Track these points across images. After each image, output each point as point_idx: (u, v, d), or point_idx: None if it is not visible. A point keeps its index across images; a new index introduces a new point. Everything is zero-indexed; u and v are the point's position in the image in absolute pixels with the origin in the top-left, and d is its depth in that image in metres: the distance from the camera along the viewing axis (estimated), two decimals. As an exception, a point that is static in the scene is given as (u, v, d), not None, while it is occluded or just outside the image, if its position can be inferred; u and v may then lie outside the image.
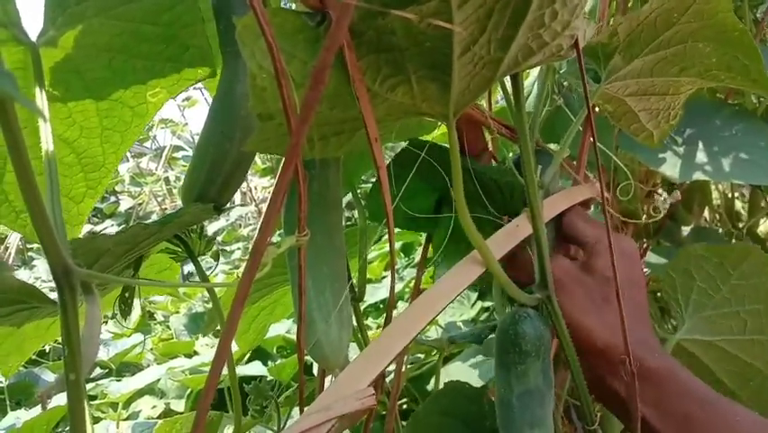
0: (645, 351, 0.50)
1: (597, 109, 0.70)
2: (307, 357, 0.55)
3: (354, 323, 0.72)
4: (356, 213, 0.71)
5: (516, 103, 0.50)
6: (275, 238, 0.42)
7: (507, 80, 0.53)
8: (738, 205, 1.41)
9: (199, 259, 0.59)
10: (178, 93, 0.58)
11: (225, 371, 1.19)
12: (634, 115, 0.67)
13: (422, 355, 1.11)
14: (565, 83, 0.99)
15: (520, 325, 0.45)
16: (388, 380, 0.87)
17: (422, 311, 0.40)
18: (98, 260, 0.51)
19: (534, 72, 1.08)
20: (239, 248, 3.01)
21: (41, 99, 0.47)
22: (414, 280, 0.82)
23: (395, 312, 0.47)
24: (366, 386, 0.36)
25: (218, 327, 0.76)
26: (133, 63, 0.55)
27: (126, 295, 0.57)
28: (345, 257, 0.58)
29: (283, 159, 0.36)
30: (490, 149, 0.83)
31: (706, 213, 1.48)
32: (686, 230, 1.33)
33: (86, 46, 0.53)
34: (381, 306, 1.74)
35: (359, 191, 0.74)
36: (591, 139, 0.65)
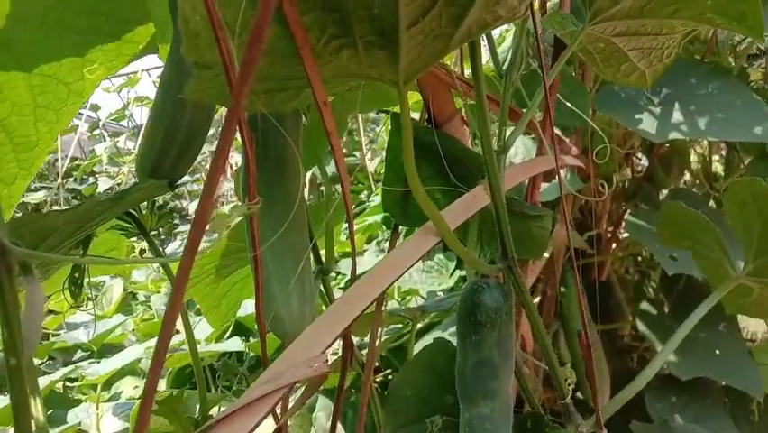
0: None
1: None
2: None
3: (327, 297, 0.71)
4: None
5: (472, 68, 0.48)
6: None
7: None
8: (717, 167, 1.41)
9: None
10: (118, 69, 0.55)
11: (203, 348, 1.16)
12: (623, 55, 0.63)
13: (400, 325, 1.10)
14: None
15: (477, 295, 0.43)
16: (364, 352, 0.86)
17: (375, 281, 0.38)
18: (45, 239, 0.49)
19: (510, 37, 1.05)
20: (221, 226, 2.97)
21: (-29, 71, 0.44)
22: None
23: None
24: (320, 353, 0.35)
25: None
26: (70, 37, 0.52)
27: (76, 276, 0.55)
28: (307, 228, 0.56)
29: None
30: (462, 115, 0.81)
31: (686, 175, 1.48)
32: (664, 193, 1.33)
33: (17, 18, 0.50)
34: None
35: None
36: (553, 107, 0.63)
